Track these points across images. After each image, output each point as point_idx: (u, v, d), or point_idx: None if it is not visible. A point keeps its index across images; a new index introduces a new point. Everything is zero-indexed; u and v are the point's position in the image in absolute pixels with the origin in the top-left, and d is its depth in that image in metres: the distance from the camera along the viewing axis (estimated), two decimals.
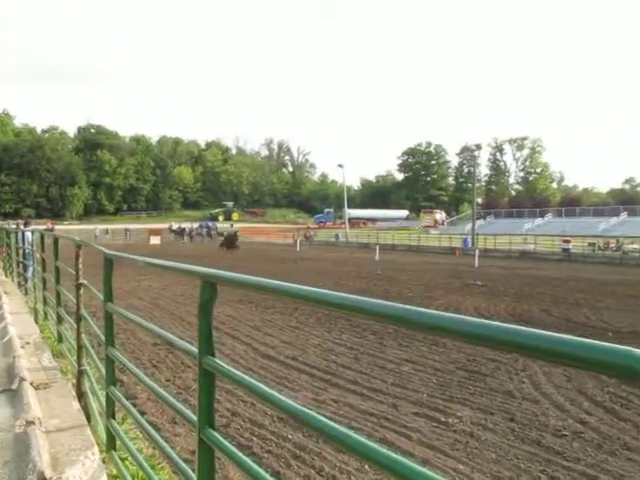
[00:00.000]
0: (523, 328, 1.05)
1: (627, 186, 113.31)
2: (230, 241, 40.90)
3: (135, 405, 5.82)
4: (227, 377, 2.21)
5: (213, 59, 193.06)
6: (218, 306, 11.63)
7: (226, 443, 2.18)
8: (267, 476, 1.98)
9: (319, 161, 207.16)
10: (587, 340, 0.91)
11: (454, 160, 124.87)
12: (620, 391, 7.81)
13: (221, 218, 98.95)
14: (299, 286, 1.81)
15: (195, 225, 72.11)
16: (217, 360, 2.25)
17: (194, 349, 2.39)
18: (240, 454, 2.12)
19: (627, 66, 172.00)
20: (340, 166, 75.14)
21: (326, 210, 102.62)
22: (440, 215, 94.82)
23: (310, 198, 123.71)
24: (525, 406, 7.30)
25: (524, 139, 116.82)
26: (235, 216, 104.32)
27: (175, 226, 72.41)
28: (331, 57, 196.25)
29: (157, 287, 18.73)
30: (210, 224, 73.92)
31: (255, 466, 2.04)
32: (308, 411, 1.75)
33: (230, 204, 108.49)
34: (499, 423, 6.67)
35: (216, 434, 2.22)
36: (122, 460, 3.89)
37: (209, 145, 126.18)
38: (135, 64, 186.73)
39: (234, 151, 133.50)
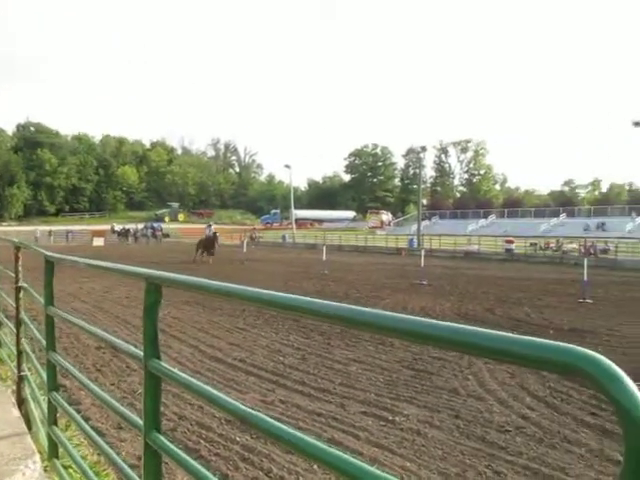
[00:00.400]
0: (473, 328, 1.07)
1: (566, 188, 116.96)
2: (208, 244, 34.23)
3: (79, 411, 5.67)
4: (174, 380, 2.18)
5: (157, 57, 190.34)
6: (164, 308, 11.51)
7: (173, 447, 2.15)
8: (215, 479, 1.96)
9: (266, 162, 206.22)
10: (531, 338, 0.93)
11: (400, 162, 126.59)
12: (560, 386, 8.04)
13: (167, 219, 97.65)
14: (246, 287, 1.80)
15: (140, 226, 70.90)
16: (163, 363, 2.22)
17: (139, 352, 2.35)
18: (187, 458, 2.10)
19: (567, 71, 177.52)
20: (287, 167, 75.29)
21: (273, 211, 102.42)
22: (386, 216, 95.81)
23: (257, 199, 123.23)
24: (470, 403, 7.44)
25: (468, 142, 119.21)
26: (181, 217, 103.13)
27: (118, 227, 70.98)
28: (276, 57, 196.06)
29: (100, 290, 18.34)
30: (155, 225, 72.87)
31: (203, 469, 2.02)
32: (256, 413, 1.74)
33: (175, 205, 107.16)
34: (445, 420, 6.77)
35: (162, 438, 2.19)
36: (65, 468, 3.79)
37: (154, 145, 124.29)
38: (77, 62, 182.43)
39: (180, 151, 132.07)
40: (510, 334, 0.98)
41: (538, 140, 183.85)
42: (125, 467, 2.70)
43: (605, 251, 42.75)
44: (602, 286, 21.18)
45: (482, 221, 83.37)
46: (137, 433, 2.43)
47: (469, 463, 5.59)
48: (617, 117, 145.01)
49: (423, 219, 65.76)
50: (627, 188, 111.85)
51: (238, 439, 6.00)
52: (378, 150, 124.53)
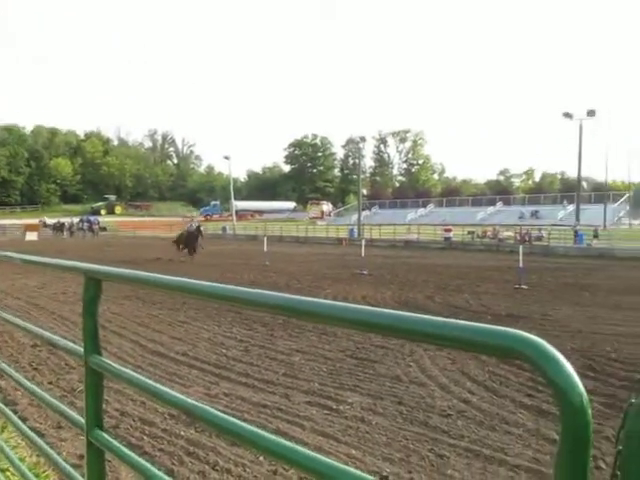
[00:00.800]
0: (416, 315, 1.08)
1: (502, 177, 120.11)
2: (190, 241, 27.75)
3: (15, 412, 5.51)
4: (115, 376, 2.15)
5: (90, 43, 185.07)
6: (102, 304, 11.25)
7: (116, 444, 2.12)
8: (160, 474, 1.94)
9: (205, 153, 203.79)
10: (472, 323, 0.95)
11: (340, 152, 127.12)
12: (499, 370, 8.26)
13: (103, 212, 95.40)
14: (187, 280, 1.78)
15: (75, 220, 68.96)
16: (104, 359, 2.18)
17: (79, 349, 2.30)
18: (131, 454, 2.07)
19: (501, 63, 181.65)
20: (226, 158, 74.49)
21: (212, 202, 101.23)
22: (327, 206, 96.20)
23: (196, 190, 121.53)
24: (412, 389, 7.57)
25: (407, 132, 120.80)
26: (118, 210, 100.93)
27: (49, 221, 68.79)
28: (214, 47, 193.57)
29: (34, 286, 17.78)
30: (91, 218, 71.01)
31: (148, 465, 1.99)
32: (201, 405, 1.73)
33: (112, 197, 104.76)
34: (388, 407, 6.87)
35: (105, 435, 2.15)
36: (2, 471, 3.68)
37: (88, 135, 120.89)
38: (5, 49, 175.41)
39: (116, 142, 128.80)
40: (452, 320, 1.00)
41: (475, 131, 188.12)
42: (67, 467, 2.64)
43: (539, 238, 44.11)
44: (536, 272, 21.86)
45: (421, 210, 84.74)
46: (78, 432, 2.38)
47: (413, 448, 5.70)
48: (549, 109, 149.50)
49: (363, 209, 66.34)
50: (559, 177, 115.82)
51: (182, 433, 5.94)
52: (318, 140, 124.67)
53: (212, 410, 1.68)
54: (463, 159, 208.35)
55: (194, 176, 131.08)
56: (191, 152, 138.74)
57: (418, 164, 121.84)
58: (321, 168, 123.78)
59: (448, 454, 5.54)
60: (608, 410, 6.53)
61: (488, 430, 6.17)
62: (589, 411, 0.81)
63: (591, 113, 52.26)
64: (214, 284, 1.63)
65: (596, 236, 42.54)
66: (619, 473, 0.84)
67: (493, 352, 0.94)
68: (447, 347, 1.04)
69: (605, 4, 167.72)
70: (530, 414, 6.62)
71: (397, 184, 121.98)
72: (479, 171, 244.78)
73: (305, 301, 1.31)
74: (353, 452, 5.55)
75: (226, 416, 1.62)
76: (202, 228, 28.74)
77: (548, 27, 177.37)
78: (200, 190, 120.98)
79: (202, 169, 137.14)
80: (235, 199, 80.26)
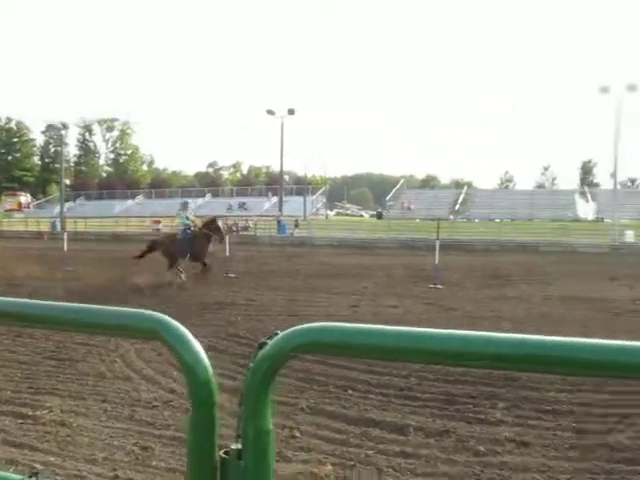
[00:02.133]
0: (77, 305, 1.06)
1: (211, 169, 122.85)
2: (198, 248, 17.99)
3: None
4: None
5: None
6: None
7: None
8: None
9: None
10: (117, 308, 0.97)
11: (40, 139, 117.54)
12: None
13: None
14: None
15: None
16: None
17: None
18: None
19: (211, 59, 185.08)
20: None
21: None
22: (25, 197, 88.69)
23: None
24: (117, 385, 7.39)
25: (114, 121, 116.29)
26: None
27: None
28: None
29: None
30: None
31: None
32: None
33: None
34: (91, 407, 6.61)
35: None
36: None
37: None
38: None
39: None
40: (102, 307, 1.00)
41: (184, 123, 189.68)
42: None
43: (245, 228, 46.32)
44: (244, 261, 22.87)
45: (130, 202, 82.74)
46: None
47: (117, 444, 5.58)
48: (255, 105, 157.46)
49: (67, 200, 62.76)
50: (265, 170, 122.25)
51: None
52: (13, 124, 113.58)
53: None
54: (173, 151, 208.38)
55: None
56: None
57: (126, 154, 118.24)
58: (18, 155, 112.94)
59: (154, 445, 5.54)
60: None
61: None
62: (214, 381, 0.89)
63: (291, 112, 56.44)
64: None
65: (297, 226, 46.03)
66: (241, 432, 0.93)
67: (135, 334, 0.98)
68: (99, 334, 1.05)
69: (299, 13, 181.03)
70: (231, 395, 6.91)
71: (104, 174, 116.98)
72: (189, 163, 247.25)
73: None
74: (51, 459, 5.23)
75: None
76: (223, 225, 19.34)
77: (255, 29, 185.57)
78: None
79: None
80: None
